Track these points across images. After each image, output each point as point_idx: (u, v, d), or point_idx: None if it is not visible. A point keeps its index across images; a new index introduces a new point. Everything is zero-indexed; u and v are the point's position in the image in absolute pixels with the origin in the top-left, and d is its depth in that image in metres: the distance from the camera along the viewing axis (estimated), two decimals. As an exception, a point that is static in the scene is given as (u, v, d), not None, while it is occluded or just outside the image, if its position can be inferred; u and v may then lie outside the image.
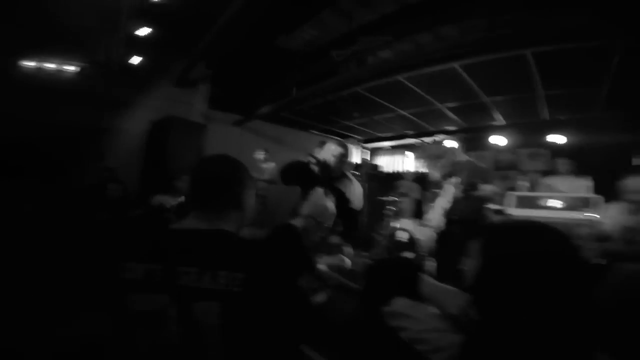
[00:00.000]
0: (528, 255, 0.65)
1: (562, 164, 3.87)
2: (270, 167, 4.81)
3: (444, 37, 3.17)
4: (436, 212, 2.96)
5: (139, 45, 3.80)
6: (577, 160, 3.95)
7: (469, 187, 2.81)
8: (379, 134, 6.32)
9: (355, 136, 6.68)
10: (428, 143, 5.75)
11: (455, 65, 3.06)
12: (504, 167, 5.53)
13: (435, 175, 3.09)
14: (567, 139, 4.62)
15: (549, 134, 4.74)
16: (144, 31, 3.59)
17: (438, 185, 3.05)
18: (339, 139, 6.30)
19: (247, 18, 2.80)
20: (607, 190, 3.40)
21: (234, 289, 0.73)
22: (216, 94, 5.18)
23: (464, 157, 3.00)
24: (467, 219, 2.76)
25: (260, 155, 4.87)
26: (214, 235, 0.84)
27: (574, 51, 2.55)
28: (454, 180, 2.67)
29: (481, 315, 0.68)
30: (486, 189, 2.85)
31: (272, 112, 4.82)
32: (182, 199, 3.02)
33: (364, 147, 7.21)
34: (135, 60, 4.07)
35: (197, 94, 5.10)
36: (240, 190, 0.95)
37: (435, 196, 3.11)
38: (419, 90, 3.80)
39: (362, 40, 3.04)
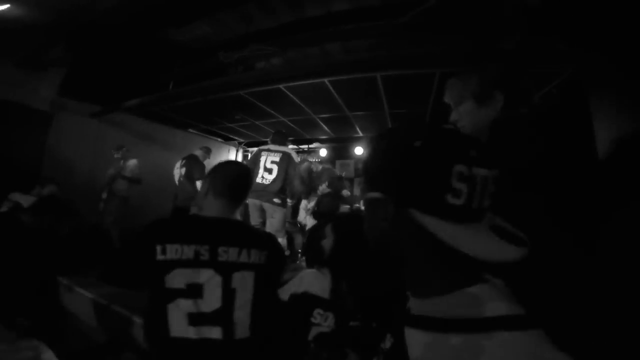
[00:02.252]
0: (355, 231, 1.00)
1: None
2: (132, 164, 4.37)
3: (327, 53, 3.75)
4: (302, 211, 3.55)
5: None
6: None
7: (331, 191, 3.45)
8: (261, 138, 6.59)
9: (237, 138, 6.75)
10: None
11: (325, 80, 3.63)
12: (359, 174, 6.66)
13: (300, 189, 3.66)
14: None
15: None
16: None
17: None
18: (216, 139, 6.25)
19: (129, 5, 2.61)
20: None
21: (262, 262, 1.06)
22: (71, 79, 4.39)
23: (316, 168, 3.63)
24: (327, 213, 3.35)
25: (117, 153, 4.35)
26: (236, 223, 1.18)
27: (407, 76, 3.44)
28: (322, 187, 3.24)
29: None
30: (344, 192, 3.53)
31: (141, 104, 4.42)
32: (34, 199, 2.59)
33: (245, 150, 7.34)
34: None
35: (46, 79, 4.21)
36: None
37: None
38: (297, 100, 4.26)
39: (252, 47, 3.26)
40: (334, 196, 3.36)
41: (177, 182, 4.15)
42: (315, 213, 3.22)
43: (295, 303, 1.10)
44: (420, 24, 3.06)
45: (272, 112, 4.84)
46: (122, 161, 4.26)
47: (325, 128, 5.59)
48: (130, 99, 4.38)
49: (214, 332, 0.95)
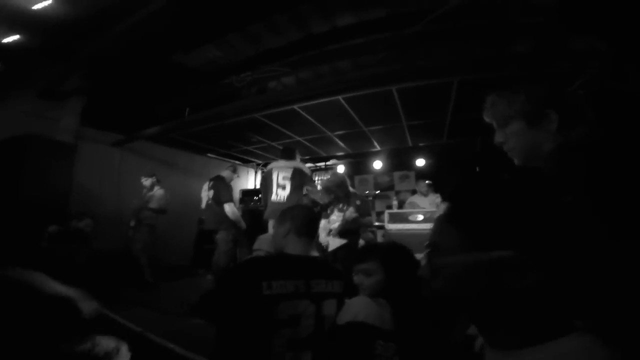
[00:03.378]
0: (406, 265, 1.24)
1: (422, 184, 4.87)
2: (158, 195, 4.41)
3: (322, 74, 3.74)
4: (322, 231, 3.43)
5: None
6: (433, 179, 5.02)
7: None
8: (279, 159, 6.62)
9: (255, 160, 6.81)
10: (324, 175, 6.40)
11: (340, 98, 3.60)
12: (382, 188, 6.49)
13: (325, 200, 3.56)
14: (426, 161, 5.81)
15: (414, 158, 5.87)
16: (10, 38, 3.02)
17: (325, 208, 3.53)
18: (234, 162, 6.32)
19: (141, 30, 2.70)
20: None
21: (340, 291, 1.24)
22: (92, 109, 4.53)
23: (350, 189, 3.50)
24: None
25: (147, 180, 4.43)
26: (319, 260, 1.41)
27: (424, 87, 3.35)
28: (348, 211, 3.16)
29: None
30: (366, 220, 3.39)
31: (161, 132, 4.55)
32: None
33: (263, 171, 7.37)
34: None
35: (67, 109, 4.35)
36: None
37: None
38: (311, 119, 4.25)
39: (263, 69, 3.30)
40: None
41: (203, 206, 4.15)
42: (341, 232, 3.15)
43: (354, 332, 1.09)
44: (430, 33, 3.00)
45: (287, 132, 4.85)
46: (148, 192, 4.32)
47: (342, 145, 5.53)
48: (148, 125, 4.51)
49: (306, 355, 1.10)
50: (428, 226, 3.68)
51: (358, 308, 1.14)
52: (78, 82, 4.14)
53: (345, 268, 3.24)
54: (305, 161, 6.71)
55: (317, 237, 3.71)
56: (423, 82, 3.23)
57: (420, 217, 3.87)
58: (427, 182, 4.95)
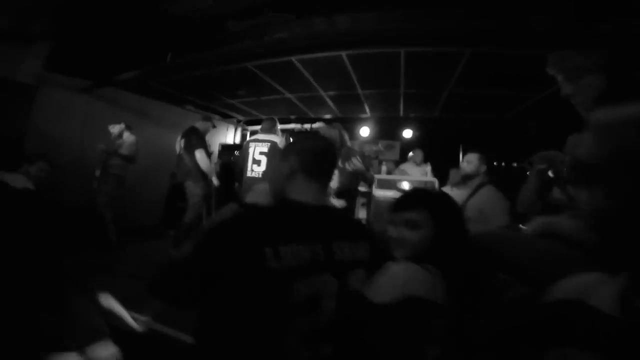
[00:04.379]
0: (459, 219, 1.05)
1: (418, 153, 4.85)
2: (129, 141, 4.02)
3: (336, 23, 3.39)
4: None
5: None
6: (422, 149, 5.01)
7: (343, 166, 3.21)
8: (262, 116, 6.25)
9: (236, 116, 6.38)
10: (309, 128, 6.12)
11: (343, 54, 3.32)
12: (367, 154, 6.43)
13: None
14: (414, 133, 5.77)
15: (402, 128, 5.80)
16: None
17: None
18: (214, 115, 5.89)
19: None
20: (442, 174, 4.52)
21: (367, 257, 0.92)
22: (58, 52, 3.93)
23: (346, 143, 3.34)
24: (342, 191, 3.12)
25: (114, 128, 4.01)
26: (337, 211, 1.02)
27: (433, 54, 3.18)
28: (354, 161, 2.99)
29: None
30: (353, 164, 3.25)
31: (135, 78, 4.03)
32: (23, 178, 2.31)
33: (244, 129, 6.99)
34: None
35: (31, 52, 3.75)
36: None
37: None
38: (307, 75, 3.94)
39: (265, 15, 2.91)
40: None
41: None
42: (338, 193, 2.99)
43: (406, 312, 0.78)
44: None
45: (278, 87, 4.50)
46: (118, 138, 3.90)
47: (332, 106, 5.28)
48: (122, 72, 3.97)
49: (325, 349, 0.79)
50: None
51: (406, 278, 0.83)
52: (45, 25, 3.50)
53: None
54: (291, 121, 6.43)
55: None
56: (435, 49, 3.03)
57: (407, 186, 3.86)
58: (420, 151, 4.94)
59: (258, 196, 1.79)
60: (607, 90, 0.87)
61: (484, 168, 2.35)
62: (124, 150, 3.86)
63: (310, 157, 0.96)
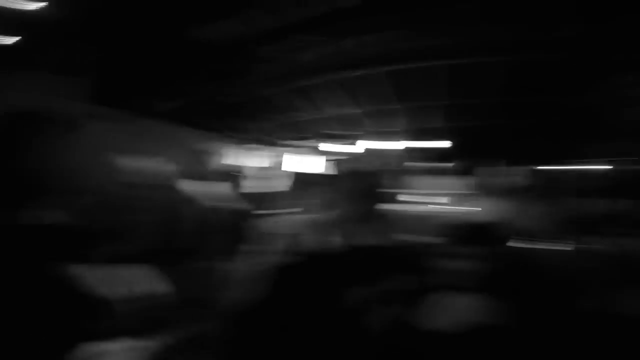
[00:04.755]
0: None
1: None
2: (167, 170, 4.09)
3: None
4: None
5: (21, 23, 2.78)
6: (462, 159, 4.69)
7: None
8: (296, 135, 6.27)
9: (269, 138, 6.44)
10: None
11: (381, 69, 3.22)
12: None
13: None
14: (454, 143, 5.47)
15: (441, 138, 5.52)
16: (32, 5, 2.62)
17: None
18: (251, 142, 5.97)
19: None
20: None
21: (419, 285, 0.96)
22: (102, 86, 4.16)
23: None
24: None
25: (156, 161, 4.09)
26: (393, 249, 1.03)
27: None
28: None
29: None
30: None
31: (174, 109, 4.15)
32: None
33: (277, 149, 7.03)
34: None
35: (77, 85, 3.97)
36: None
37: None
38: (342, 94, 3.87)
39: (294, 38, 2.88)
40: None
41: None
42: None
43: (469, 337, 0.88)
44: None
45: (314, 108, 4.47)
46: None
47: (367, 121, 5.16)
48: (161, 103, 4.11)
49: None
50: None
51: (463, 307, 0.93)
52: (90, 58, 3.73)
53: None
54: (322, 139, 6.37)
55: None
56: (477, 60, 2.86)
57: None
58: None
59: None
60: None
61: None
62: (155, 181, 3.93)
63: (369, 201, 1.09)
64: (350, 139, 6.38)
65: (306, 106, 4.35)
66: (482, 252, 1.03)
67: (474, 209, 3.56)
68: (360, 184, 3.19)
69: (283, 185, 3.28)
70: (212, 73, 3.98)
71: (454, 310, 0.95)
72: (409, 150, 5.96)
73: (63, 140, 3.51)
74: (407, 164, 5.94)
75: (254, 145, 5.96)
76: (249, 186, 4.17)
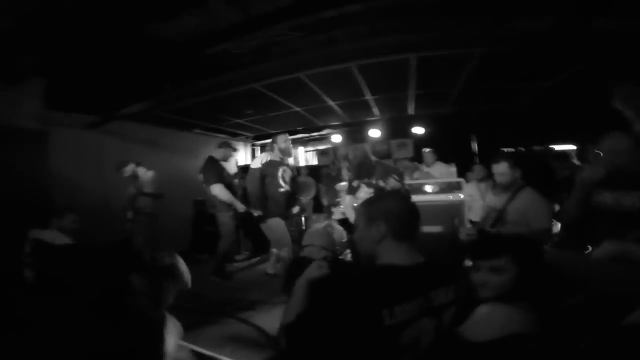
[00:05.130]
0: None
1: (427, 153, 4.76)
2: (148, 177, 4.01)
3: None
4: (349, 209, 3.23)
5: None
6: (435, 147, 4.92)
7: (378, 184, 3.16)
8: (270, 131, 6.25)
9: (245, 133, 6.38)
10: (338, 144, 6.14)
11: (352, 65, 3.28)
12: (379, 156, 6.36)
13: (348, 174, 3.36)
14: (425, 129, 5.69)
15: (412, 126, 5.72)
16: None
17: (350, 184, 3.33)
18: (223, 137, 5.89)
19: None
20: (461, 169, 4.42)
21: (456, 296, 1.01)
22: (55, 89, 3.82)
23: (372, 158, 3.30)
24: None
25: (126, 168, 3.95)
26: (430, 264, 1.04)
27: (442, 57, 3.12)
28: (382, 183, 2.96)
29: None
30: (391, 183, 3.21)
31: (142, 110, 4.00)
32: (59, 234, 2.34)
33: (253, 144, 6.99)
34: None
35: (26, 92, 3.66)
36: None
37: (340, 193, 3.42)
38: (315, 88, 3.90)
39: (267, 33, 2.86)
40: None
41: None
42: None
43: (508, 348, 0.90)
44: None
45: (286, 102, 4.48)
46: (136, 179, 3.89)
47: (341, 113, 5.24)
48: (126, 104, 3.93)
49: None
50: (442, 197, 3.62)
51: (502, 320, 0.97)
52: (35, 60, 3.43)
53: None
54: (299, 132, 6.41)
55: (343, 216, 3.53)
56: (445, 52, 2.98)
57: (434, 188, 3.74)
58: (428, 150, 4.84)
59: (314, 238, 1.80)
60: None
61: (518, 172, 2.29)
62: (148, 189, 3.85)
63: (398, 222, 1.03)
64: (327, 131, 6.47)
65: (279, 101, 4.35)
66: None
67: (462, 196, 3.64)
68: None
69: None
70: (177, 71, 3.85)
71: (492, 321, 1.02)
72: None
73: (29, 153, 3.30)
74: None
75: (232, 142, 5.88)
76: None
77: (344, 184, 3.32)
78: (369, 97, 4.44)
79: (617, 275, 1.06)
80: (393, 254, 1.02)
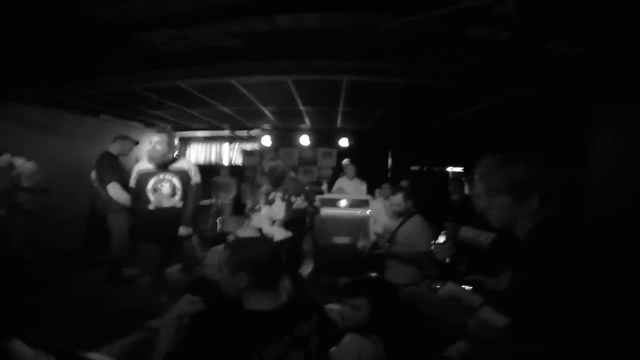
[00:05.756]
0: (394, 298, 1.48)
1: (349, 168, 5.07)
2: (28, 170, 3.36)
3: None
4: (265, 221, 3.26)
5: None
6: (356, 160, 5.26)
7: (290, 200, 3.23)
8: (191, 125, 5.80)
9: (161, 124, 5.79)
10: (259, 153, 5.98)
11: (287, 78, 3.29)
12: (305, 163, 6.52)
13: (266, 185, 3.34)
14: (349, 142, 6.03)
15: (339, 137, 6.01)
16: None
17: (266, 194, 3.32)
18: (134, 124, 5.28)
19: None
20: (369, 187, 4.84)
21: (319, 323, 1.17)
22: None
23: (291, 174, 3.33)
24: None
25: (2, 160, 3.29)
26: (293, 302, 1.16)
27: (373, 83, 3.35)
28: (298, 200, 3.04)
29: None
30: (298, 202, 3.31)
31: (43, 92, 3.35)
32: None
33: (170, 135, 6.38)
34: None
35: None
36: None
37: (259, 200, 3.40)
38: (248, 94, 3.79)
39: (206, 33, 2.63)
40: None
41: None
42: (286, 223, 3.05)
43: None
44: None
45: (214, 102, 4.23)
46: (10, 169, 3.21)
47: (272, 118, 5.19)
48: (24, 86, 3.22)
49: None
50: (354, 211, 3.92)
51: (359, 350, 1.22)
52: None
53: (290, 260, 3.18)
54: (226, 129, 6.13)
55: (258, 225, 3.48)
56: (375, 79, 3.21)
57: (345, 203, 4.02)
58: (347, 161, 5.16)
59: (214, 258, 1.72)
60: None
61: (410, 202, 2.71)
62: (26, 182, 3.20)
63: (262, 273, 1.08)
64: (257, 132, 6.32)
65: (205, 100, 4.10)
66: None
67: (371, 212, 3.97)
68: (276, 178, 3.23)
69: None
70: (117, 59, 3.29)
71: (350, 349, 1.25)
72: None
73: None
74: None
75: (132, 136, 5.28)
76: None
77: (264, 188, 3.31)
78: (301, 107, 4.50)
79: (449, 312, 1.34)
80: (258, 301, 1.07)
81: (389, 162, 6.37)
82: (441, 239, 3.51)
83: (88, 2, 2.53)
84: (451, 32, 2.42)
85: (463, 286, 1.51)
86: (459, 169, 6.28)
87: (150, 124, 5.70)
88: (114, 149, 3.45)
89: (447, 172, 6.48)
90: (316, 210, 3.80)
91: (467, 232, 3.25)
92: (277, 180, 3.27)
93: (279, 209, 3.26)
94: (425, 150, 6.06)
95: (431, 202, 4.24)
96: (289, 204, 3.17)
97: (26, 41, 2.72)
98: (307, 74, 3.15)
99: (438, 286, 1.71)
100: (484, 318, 0.92)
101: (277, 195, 3.30)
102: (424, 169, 6.63)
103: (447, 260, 3.07)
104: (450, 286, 1.45)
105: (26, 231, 3.21)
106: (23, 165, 3.33)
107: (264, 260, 1.09)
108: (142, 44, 2.89)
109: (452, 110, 4.35)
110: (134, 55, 2.93)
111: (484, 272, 1.55)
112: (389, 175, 6.10)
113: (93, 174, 3.39)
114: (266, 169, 3.30)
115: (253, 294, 1.07)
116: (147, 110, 4.70)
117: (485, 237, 2.49)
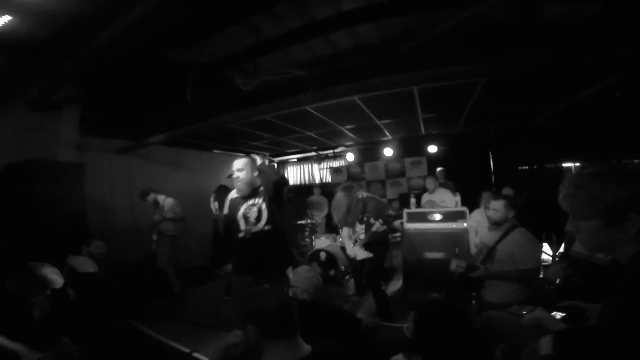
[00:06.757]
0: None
1: (439, 173, 4.74)
2: (169, 204, 4.18)
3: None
4: (347, 241, 3.26)
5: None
6: (448, 165, 4.90)
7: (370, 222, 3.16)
8: (286, 150, 6.47)
9: (262, 153, 6.66)
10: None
11: (356, 98, 3.40)
12: (393, 175, 6.38)
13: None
14: (438, 148, 5.66)
15: (427, 145, 5.72)
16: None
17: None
18: (233, 154, 6.16)
19: (133, 32, 2.35)
20: (470, 194, 4.36)
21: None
22: (90, 117, 4.21)
23: (363, 195, 3.26)
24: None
25: (148, 198, 4.19)
26: (316, 356, 1.06)
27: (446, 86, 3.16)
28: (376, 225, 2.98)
29: None
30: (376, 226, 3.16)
31: (168, 138, 4.32)
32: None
33: (271, 161, 7.25)
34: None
35: (64, 119, 4.03)
36: None
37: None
38: (323, 117, 4.06)
39: (275, 71, 3.04)
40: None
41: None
42: (367, 245, 3.04)
43: None
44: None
45: (297, 129, 4.67)
46: (159, 205, 4.20)
47: (352, 136, 5.36)
48: (149, 127, 4.25)
49: None
50: (448, 225, 3.61)
51: None
52: (71, 89, 3.79)
53: (371, 281, 3.13)
54: (313, 151, 6.59)
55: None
56: (446, 83, 3.03)
57: (439, 217, 3.73)
58: (440, 170, 4.85)
59: (298, 282, 1.87)
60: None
61: (512, 213, 2.30)
62: (169, 214, 4.13)
63: (268, 324, 1.01)
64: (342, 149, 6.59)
65: (290, 128, 4.55)
66: None
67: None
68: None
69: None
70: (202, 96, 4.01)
71: None
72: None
73: (69, 185, 3.61)
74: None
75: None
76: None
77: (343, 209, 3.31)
78: (378, 122, 4.53)
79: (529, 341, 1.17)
80: (274, 355, 1.00)
81: (492, 164, 5.67)
82: (549, 250, 2.97)
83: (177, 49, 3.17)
84: (521, 17, 2.14)
85: (555, 313, 1.32)
86: (577, 165, 5.10)
87: (254, 153, 6.63)
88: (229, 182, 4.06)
89: (564, 169, 5.32)
90: (395, 231, 3.68)
91: (580, 247, 2.67)
92: (348, 214, 3.22)
93: (360, 230, 3.25)
94: (533, 146, 5.16)
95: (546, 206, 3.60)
96: (369, 226, 3.12)
97: (139, 90, 3.56)
98: (369, 92, 3.19)
99: (524, 312, 1.50)
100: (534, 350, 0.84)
101: (357, 220, 3.29)
102: (535, 167, 5.64)
103: (558, 282, 2.59)
104: (537, 313, 1.30)
105: (169, 252, 4.10)
106: (165, 200, 4.29)
107: (270, 310, 1.03)
108: (225, 81, 3.46)
109: (555, 100, 3.68)
110: (223, 95, 3.52)
111: (598, 296, 1.30)
112: (493, 180, 5.45)
113: (214, 205, 4.02)
114: (339, 191, 3.28)
115: (268, 347, 1.02)
116: (247, 142, 5.50)
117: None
